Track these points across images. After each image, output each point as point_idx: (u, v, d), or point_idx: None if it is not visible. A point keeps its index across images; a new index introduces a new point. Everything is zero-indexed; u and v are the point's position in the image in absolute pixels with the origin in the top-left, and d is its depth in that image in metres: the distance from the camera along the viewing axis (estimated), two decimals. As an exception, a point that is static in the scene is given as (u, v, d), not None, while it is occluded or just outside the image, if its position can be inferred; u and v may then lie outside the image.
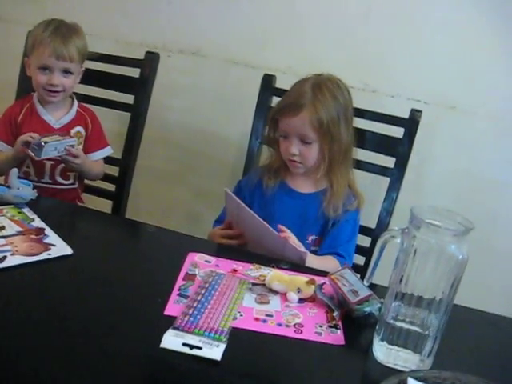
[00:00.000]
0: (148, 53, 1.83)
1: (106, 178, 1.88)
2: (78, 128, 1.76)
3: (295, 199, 1.57)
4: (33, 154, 1.55)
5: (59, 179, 1.74)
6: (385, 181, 1.72)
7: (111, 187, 1.91)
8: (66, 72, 1.69)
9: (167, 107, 2.15)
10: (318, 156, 1.51)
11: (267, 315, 1.08)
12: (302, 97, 1.48)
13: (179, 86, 2.15)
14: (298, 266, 1.28)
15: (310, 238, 1.54)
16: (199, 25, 2.10)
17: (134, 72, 1.85)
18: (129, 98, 1.87)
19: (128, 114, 1.88)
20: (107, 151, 1.82)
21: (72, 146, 1.61)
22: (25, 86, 1.87)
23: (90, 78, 1.79)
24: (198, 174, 2.20)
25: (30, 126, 1.72)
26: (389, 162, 1.70)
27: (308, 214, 1.55)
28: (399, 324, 0.98)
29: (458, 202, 1.81)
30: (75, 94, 1.80)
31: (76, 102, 1.80)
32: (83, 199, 1.86)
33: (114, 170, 1.89)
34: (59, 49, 1.65)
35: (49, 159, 1.64)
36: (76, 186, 1.80)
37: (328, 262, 1.42)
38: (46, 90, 1.70)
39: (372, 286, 1.12)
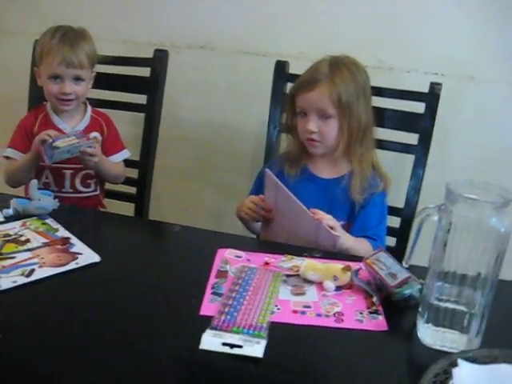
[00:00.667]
0: (157, 50, 1.80)
1: (126, 180, 1.85)
2: (94, 133, 1.73)
3: (318, 185, 1.54)
4: (45, 157, 1.53)
5: (80, 187, 1.72)
6: (408, 158, 1.69)
7: (132, 190, 1.89)
8: (77, 79, 1.66)
9: (180, 104, 2.12)
10: (336, 133, 1.48)
11: (305, 306, 1.05)
12: (320, 72, 1.47)
13: (191, 81, 2.11)
14: (331, 254, 1.25)
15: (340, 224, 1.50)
16: (205, 18, 2.06)
17: (145, 72, 1.83)
18: (141, 99, 1.85)
19: (142, 115, 1.85)
20: (125, 154, 1.79)
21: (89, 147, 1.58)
22: (36, 97, 1.86)
23: (100, 81, 1.76)
24: (217, 169, 2.17)
25: None
26: (410, 138, 1.66)
27: (333, 199, 1.52)
28: (444, 304, 0.95)
29: (484, 174, 1.77)
30: (88, 99, 1.78)
31: (89, 108, 1.77)
32: (105, 205, 1.84)
33: (133, 173, 1.87)
34: (68, 56, 1.62)
35: (68, 168, 1.65)
36: (98, 192, 1.78)
37: (362, 243, 1.40)
38: (59, 99, 1.67)
39: (409, 267, 1.09)
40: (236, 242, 1.27)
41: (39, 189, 1.41)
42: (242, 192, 1.68)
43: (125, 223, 1.46)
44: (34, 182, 1.40)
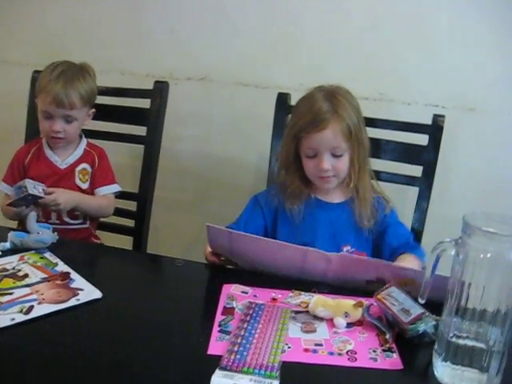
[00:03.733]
0: (157, 82, 1.79)
1: (124, 213, 1.82)
2: (84, 165, 1.72)
3: (325, 210, 1.50)
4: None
5: (67, 219, 1.68)
6: (409, 190, 1.67)
7: (130, 223, 1.85)
8: (68, 119, 1.65)
9: (179, 136, 2.09)
10: (349, 165, 1.46)
11: (316, 344, 1.01)
12: (323, 109, 1.41)
13: (189, 113, 2.09)
14: (340, 289, 1.21)
15: (345, 249, 1.46)
16: (204, 50, 2.05)
17: (144, 103, 1.80)
18: (140, 130, 1.82)
19: (139, 147, 1.82)
20: (114, 188, 1.74)
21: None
22: (33, 128, 1.84)
23: (99, 112, 1.74)
24: (216, 202, 2.13)
25: (36, 167, 1.69)
26: (411, 170, 1.65)
27: (339, 223, 1.49)
28: (462, 342, 0.91)
29: (486, 205, 1.76)
30: (87, 130, 1.76)
31: (84, 141, 1.75)
32: (99, 237, 1.80)
33: (131, 205, 1.83)
34: (59, 96, 1.60)
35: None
36: (87, 225, 1.73)
37: (410, 260, 1.36)
38: (49, 137, 1.67)
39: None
40: (241, 277, 1.23)
41: (37, 221, 1.38)
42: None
43: (125, 257, 1.42)
44: (33, 214, 1.37)
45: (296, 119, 1.50)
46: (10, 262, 1.27)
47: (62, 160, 1.70)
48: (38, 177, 1.61)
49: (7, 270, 1.23)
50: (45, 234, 1.34)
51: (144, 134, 1.81)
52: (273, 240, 1.27)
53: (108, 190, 1.74)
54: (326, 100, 1.44)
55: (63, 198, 1.58)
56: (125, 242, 1.83)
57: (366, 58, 1.93)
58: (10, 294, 1.13)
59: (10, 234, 1.35)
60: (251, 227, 1.49)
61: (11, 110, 2.17)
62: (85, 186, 1.70)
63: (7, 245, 1.33)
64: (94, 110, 1.73)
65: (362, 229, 1.48)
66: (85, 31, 2.16)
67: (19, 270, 1.23)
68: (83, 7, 2.16)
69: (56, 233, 1.37)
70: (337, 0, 1.95)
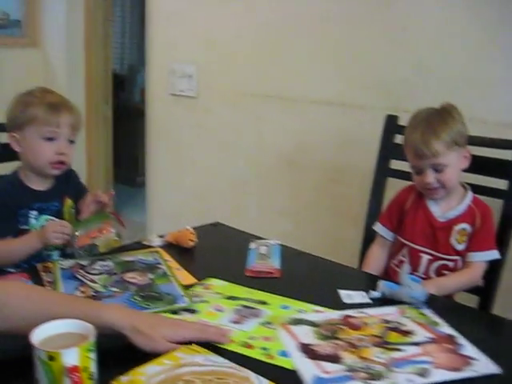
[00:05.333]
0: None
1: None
2: (463, 225, 1.59)
3: None
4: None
5: (432, 275, 1.60)
6: None
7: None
8: (437, 168, 1.55)
9: None
10: None
11: None
12: None
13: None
14: None
15: None
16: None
17: (500, 154, 1.67)
18: (488, 181, 1.68)
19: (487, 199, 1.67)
20: (490, 255, 1.58)
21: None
22: (382, 170, 1.87)
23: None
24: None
25: (413, 215, 1.65)
26: None
27: None
28: None
29: None
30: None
31: (470, 195, 1.64)
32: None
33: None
34: (419, 147, 1.54)
35: (427, 252, 1.57)
36: None
37: None
38: (425, 189, 1.61)
39: None
40: None
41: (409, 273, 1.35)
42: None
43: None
44: (407, 266, 1.34)
45: None
46: (389, 313, 1.25)
47: (441, 212, 1.62)
48: (412, 226, 1.60)
49: (389, 322, 1.20)
50: (416, 288, 1.30)
51: (499, 186, 1.67)
52: None
53: (482, 257, 1.59)
54: None
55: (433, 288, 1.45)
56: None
57: None
58: (400, 350, 1.10)
59: (381, 283, 1.34)
60: None
61: (360, 153, 2.24)
62: (460, 247, 1.60)
63: (377, 293, 1.33)
64: (467, 152, 1.60)
65: None
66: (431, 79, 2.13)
67: (402, 325, 1.20)
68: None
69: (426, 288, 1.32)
70: None
